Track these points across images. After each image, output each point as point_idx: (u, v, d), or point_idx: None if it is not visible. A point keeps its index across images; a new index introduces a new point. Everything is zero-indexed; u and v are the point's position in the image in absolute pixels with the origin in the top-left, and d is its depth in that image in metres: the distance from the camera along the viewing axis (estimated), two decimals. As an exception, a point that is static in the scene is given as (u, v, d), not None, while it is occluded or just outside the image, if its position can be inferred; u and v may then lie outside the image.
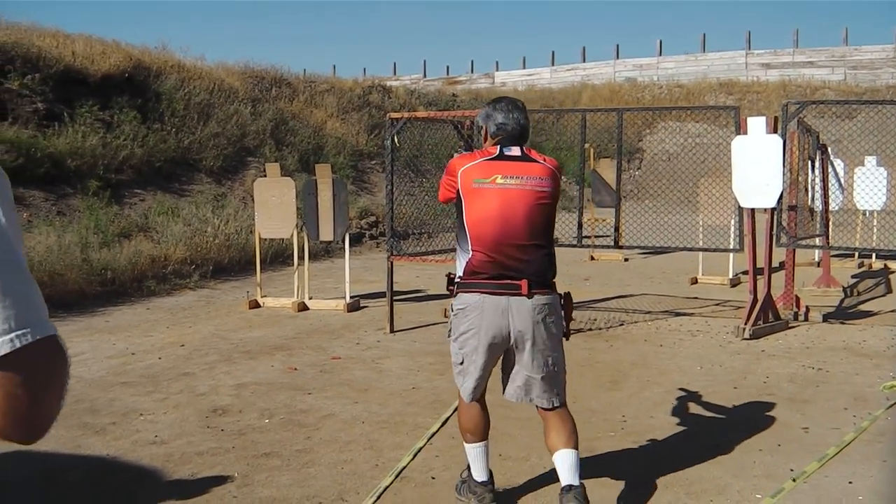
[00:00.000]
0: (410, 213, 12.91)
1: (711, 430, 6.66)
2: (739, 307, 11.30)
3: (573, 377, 8.15)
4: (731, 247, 11.37)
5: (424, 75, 52.79)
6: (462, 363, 4.88)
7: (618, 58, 45.92)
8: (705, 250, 12.42)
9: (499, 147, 4.86)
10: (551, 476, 5.16)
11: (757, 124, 10.10)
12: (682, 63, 43.51)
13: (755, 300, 10.26)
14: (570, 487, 4.75)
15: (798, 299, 11.49)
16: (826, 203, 13.63)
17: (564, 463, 4.80)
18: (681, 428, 6.73)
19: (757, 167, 10.01)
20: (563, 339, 4.96)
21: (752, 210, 10.39)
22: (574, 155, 32.15)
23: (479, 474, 5.10)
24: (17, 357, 1.36)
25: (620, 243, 11.71)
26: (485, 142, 5.08)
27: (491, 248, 4.70)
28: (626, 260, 18.35)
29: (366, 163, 27.00)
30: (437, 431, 6.61)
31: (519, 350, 4.80)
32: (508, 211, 4.69)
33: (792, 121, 10.26)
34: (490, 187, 4.72)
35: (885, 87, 37.08)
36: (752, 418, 6.97)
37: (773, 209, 10.21)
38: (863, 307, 12.70)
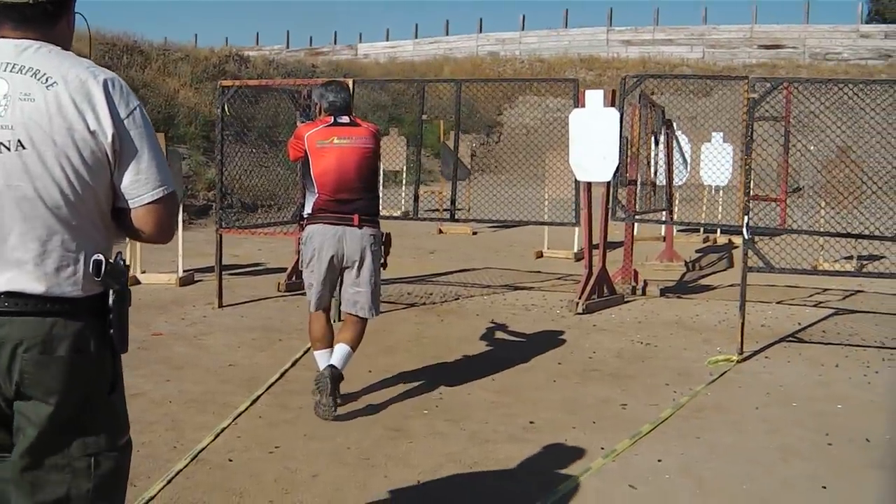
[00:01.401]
0: (261, 184, 12.56)
1: (529, 408, 6.51)
2: (580, 281, 11.26)
3: (398, 353, 8.03)
4: (571, 221, 11.25)
5: (287, 46, 51.89)
6: (312, 283, 6.36)
7: (481, 31, 45.85)
8: (541, 224, 12.44)
9: (333, 117, 6.40)
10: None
11: (594, 97, 10.01)
12: (545, 38, 43.65)
13: (590, 274, 10.21)
14: (331, 366, 6.18)
15: (636, 273, 11.49)
16: (670, 178, 13.68)
17: (337, 351, 6.30)
18: (498, 405, 6.58)
19: (594, 141, 9.92)
20: (382, 267, 6.52)
21: (589, 184, 10.31)
22: (433, 128, 31.98)
23: (331, 373, 6.18)
24: (164, 199, 2.69)
25: (459, 217, 11.48)
26: (320, 114, 6.56)
27: (331, 191, 6.22)
28: (474, 233, 18.23)
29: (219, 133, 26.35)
30: (244, 411, 6.33)
31: (349, 269, 6.32)
32: (343, 163, 6.24)
33: (631, 94, 10.18)
34: (329, 146, 6.25)
35: (741, 66, 37.70)
36: (572, 395, 6.86)
37: (609, 183, 10.14)
38: (703, 281, 12.81)
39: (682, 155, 14.94)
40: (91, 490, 2.67)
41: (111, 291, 2.66)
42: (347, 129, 6.35)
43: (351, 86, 9.63)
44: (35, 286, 2.57)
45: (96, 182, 2.63)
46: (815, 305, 10.68)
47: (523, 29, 44.90)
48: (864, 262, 13.21)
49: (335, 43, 50.96)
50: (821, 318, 9.84)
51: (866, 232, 8.67)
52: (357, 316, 6.42)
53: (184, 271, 11.76)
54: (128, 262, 2.84)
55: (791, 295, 11.16)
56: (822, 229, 12.34)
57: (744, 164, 7.79)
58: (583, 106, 10.09)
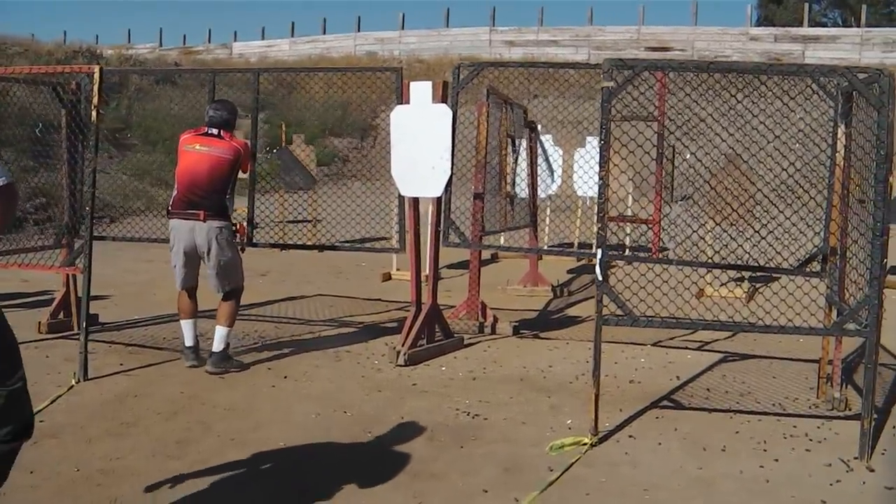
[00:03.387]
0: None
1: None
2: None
3: (132, 436, 5.80)
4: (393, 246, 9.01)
5: (161, 44, 49.24)
6: (175, 266, 7.60)
7: (359, 30, 43.60)
8: (356, 249, 10.20)
9: (206, 128, 7.57)
10: None
11: (421, 91, 7.91)
12: (425, 38, 41.53)
13: (417, 314, 8.07)
14: (212, 353, 7.52)
15: (484, 307, 9.42)
16: (533, 190, 11.69)
17: (216, 335, 7.56)
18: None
19: (420, 146, 7.85)
20: (241, 250, 7.87)
21: (416, 200, 8.22)
22: (302, 129, 29.67)
23: (187, 341, 7.65)
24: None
25: (258, 241, 9.25)
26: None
27: (184, 190, 7.45)
28: (321, 251, 15.88)
29: (56, 136, 23.75)
30: None
31: (204, 256, 7.46)
32: (196, 167, 7.43)
33: (466, 87, 8.13)
34: (190, 150, 7.51)
35: (627, 69, 36.07)
36: (345, 514, 4.73)
37: (439, 199, 8.07)
38: (570, 311, 10.83)
39: (548, 162, 12.90)
40: None
41: None
42: (211, 139, 7.51)
43: (97, 74, 7.56)
44: None
45: None
46: (699, 347, 8.69)
47: (403, 28, 42.75)
48: (757, 286, 11.37)
49: (209, 41, 48.44)
50: (706, 368, 7.87)
51: (756, 257, 6.78)
52: (221, 297, 7.67)
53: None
54: None
55: (671, 330, 9.11)
56: (709, 246, 10.50)
57: (601, 177, 5.68)
58: (406, 103, 8.01)
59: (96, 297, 10.35)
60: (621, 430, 6.12)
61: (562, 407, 6.64)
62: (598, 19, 41.91)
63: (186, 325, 7.68)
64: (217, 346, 7.51)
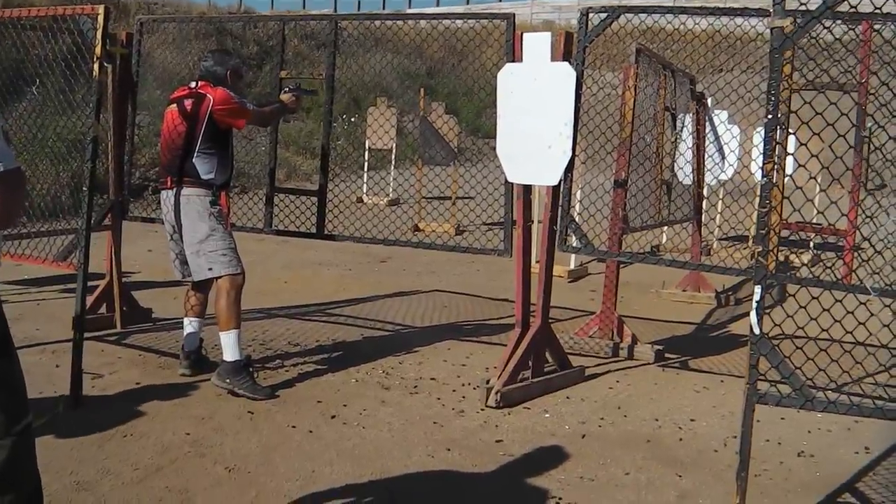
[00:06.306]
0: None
1: None
2: (560, 319, 7.49)
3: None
4: (498, 246, 6.92)
5: (335, 10, 48.45)
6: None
7: (535, -2, 41.88)
8: (462, 251, 8.09)
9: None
10: None
11: (535, 45, 6.00)
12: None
13: (520, 339, 6.16)
14: (221, 362, 6.03)
15: (621, 324, 7.47)
16: (699, 175, 9.66)
17: (221, 342, 6.05)
18: None
19: (534, 118, 5.96)
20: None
21: (527, 189, 6.31)
22: (471, 102, 27.73)
23: (185, 345, 6.42)
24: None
25: (329, 232, 7.39)
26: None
27: (161, 154, 6.40)
28: (459, 232, 14.00)
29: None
30: None
31: (179, 231, 6.16)
32: (164, 126, 6.31)
33: (596, 37, 6.18)
34: (166, 110, 6.35)
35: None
36: None
37: (556, 188, 6.14)
38: (735, 327, 8.77)
39: (719, 143, 10.72)
40: None
41: None
42: (183, 92, 6.29)
43: (101, 18, 5.92)
44: None
45: None
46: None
47: (583, -5, 40.65)
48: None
49: (384, 8, 47.66)
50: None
51: None
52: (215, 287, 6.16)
53: None
54: None
55: (860, 373, 6.90)
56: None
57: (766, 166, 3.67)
58: (518, 61, 6.11)
59: (172, 284, 8.78)
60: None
61: (696, 496, 4.63)
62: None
63: (185, 325, 6.46)
64: (225, 354, 6.03)
